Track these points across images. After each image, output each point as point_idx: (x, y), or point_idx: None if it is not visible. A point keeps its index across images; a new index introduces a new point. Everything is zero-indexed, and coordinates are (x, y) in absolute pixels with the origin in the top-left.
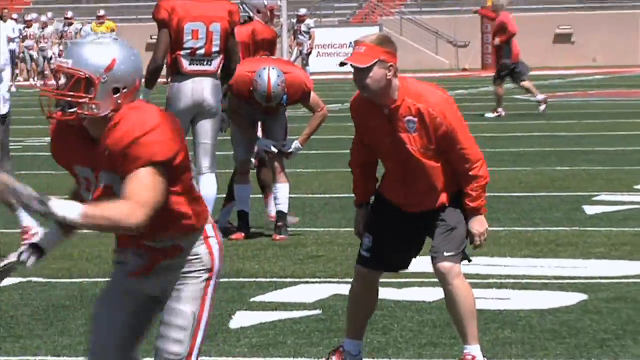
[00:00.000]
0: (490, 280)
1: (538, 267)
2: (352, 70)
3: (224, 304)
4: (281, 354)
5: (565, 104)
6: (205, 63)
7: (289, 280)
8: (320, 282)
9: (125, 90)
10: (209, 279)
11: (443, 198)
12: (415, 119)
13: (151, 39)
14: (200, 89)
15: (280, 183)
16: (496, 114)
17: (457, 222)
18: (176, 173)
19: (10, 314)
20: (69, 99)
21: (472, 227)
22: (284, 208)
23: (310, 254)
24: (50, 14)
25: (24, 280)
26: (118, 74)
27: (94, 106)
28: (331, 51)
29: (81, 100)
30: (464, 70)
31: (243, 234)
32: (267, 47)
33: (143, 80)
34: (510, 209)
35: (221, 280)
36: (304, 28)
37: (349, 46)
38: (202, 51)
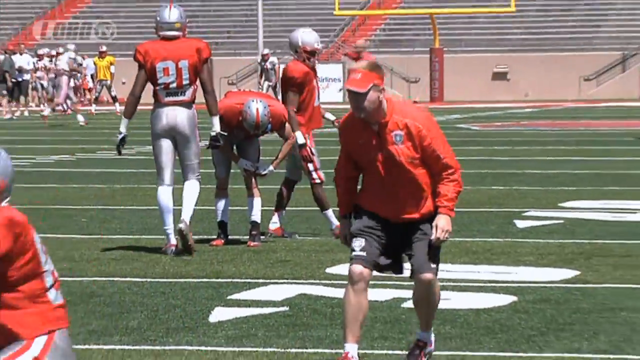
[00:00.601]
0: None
1: (475, 272)
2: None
3: (204, 301)
4: (253, 344)
5: (501, 133)
6: (179, 94)
7: (260, 280)
8: (287, 283)
9: None
10: None
11: (423, 209)
12: (402, 132)
13: None
14: (174, 115)
15: (255, 197)
16: None
17: None
18: (8, 272)
19: None
20: None
21: (438, 222)
22: (257, 218)
23: (280, 259)
24: (61, 49)
25: None
26: None
27: None
28: None
29: None
30: (415, 102)
31: (222, 241)
32: (294, 84)
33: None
34: (452, 222)
35: (202, 279)
36: (269, 65)
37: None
38: (174, 84)
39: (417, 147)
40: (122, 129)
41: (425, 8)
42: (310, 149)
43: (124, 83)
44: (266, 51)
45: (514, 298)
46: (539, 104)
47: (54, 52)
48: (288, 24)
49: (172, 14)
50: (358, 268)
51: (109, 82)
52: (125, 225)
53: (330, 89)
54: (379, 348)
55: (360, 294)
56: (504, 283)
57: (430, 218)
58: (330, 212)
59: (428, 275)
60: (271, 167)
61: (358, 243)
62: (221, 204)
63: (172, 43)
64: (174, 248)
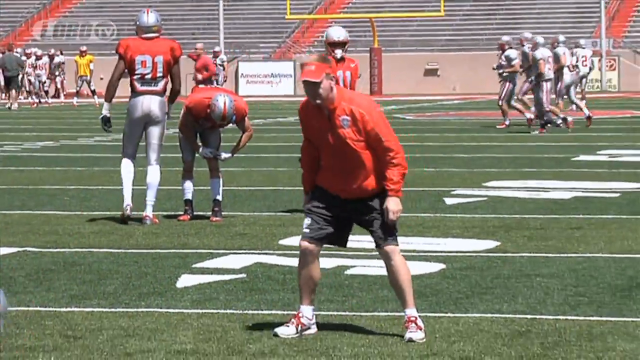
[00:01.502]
0: (374, 253)
1: (409, 244)
2: (267, 94)
3: (172, 269)
4: (215, 307)
5: (432, 122)
6: (152, 84)
7: (221, 251)
8: (245, 253)
9: None
10: None
11: (370, 186)
12: (349, 118)
13: None
14: (148, 103)
15: (218, 178)
16: None
17: None
18: None
19: (9, 275)
20: None
21: (388, 205)
22: (219, 197)
23: (238, 232)
24: (52, 50)
25: (20, 249)
26: None
27: None
28: (257, 80)
29: None
30: None
31: (188, 217)
32: None
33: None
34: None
35: (170, 250)
36: (218, 61)
37: (271, 76)
38: (149, 76)
39: (360, 130)
40: (104, 111)
41: (365, 13)
42: None
43: (102, 79)
44: (217, 49)
45: (442, 266)
46: (465, 96)
47: (39, 53)
48: (246, 27)
49: (150, 18)
50: (304, 244)
51: (88, 77)
52: (102, 203)
53: (283, 83)
54: (326, 310)
55: (309, 265)
56: (434, 253)
57: (377, 195)
58: None
59: (389, 247)
60: (230, 154)
61: (306, 221)
62: (187, 184)
63: (150, 41)
64: (129, 207)
